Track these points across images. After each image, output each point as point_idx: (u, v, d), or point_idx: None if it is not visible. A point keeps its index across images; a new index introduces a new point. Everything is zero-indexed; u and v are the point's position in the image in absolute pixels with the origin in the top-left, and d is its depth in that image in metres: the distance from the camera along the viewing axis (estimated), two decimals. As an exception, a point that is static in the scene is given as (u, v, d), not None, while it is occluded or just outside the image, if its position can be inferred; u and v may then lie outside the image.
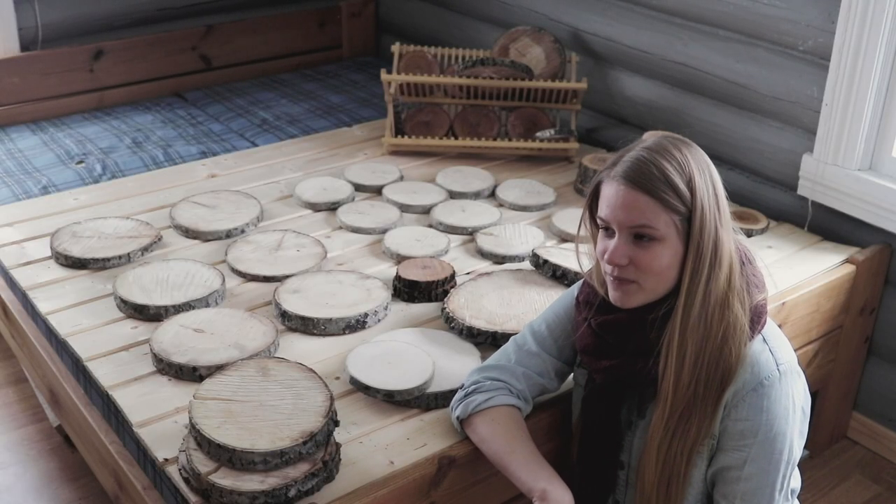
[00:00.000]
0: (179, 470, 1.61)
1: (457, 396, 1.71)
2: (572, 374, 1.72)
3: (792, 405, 1.46)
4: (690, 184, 1.41)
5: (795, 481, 1.62)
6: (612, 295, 1.49)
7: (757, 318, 1.47)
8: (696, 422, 1.46)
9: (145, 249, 2.32)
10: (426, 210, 2.60)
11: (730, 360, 1.43)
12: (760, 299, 1.48)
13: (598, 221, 1.48)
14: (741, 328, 1.44)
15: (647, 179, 1.40)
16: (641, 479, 1.52)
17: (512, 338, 1.75)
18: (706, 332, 1.43)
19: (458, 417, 1.68)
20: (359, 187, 2.71)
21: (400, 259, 2.32)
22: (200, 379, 1.81)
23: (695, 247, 1.42)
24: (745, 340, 1.44)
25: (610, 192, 1.44)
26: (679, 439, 1.46)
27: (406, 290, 2.17)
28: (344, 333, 2.03)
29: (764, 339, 1.48)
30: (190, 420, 1.61)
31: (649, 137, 1.49)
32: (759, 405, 1.44)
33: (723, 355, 1.43)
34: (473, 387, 1.67)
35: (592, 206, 1.52)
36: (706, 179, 1.43)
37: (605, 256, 1.45)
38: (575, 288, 1.68)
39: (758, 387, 1.44)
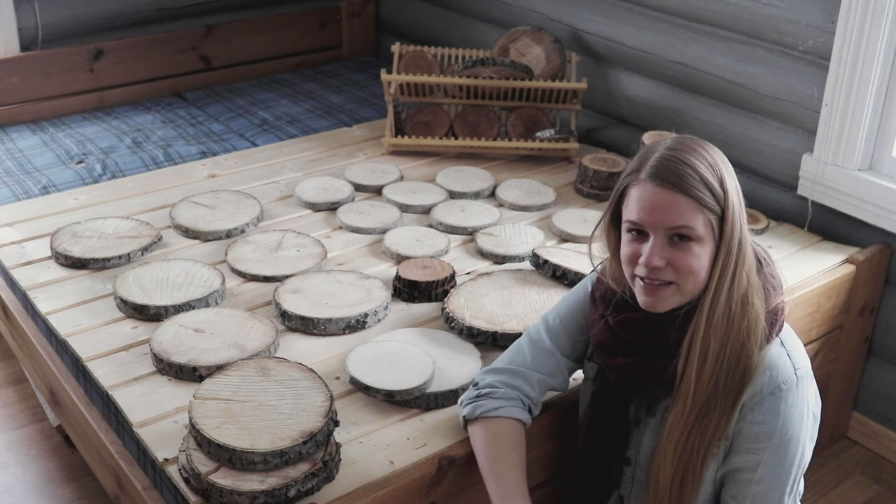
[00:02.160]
0: (179, 470, 1.61)
1: (469, 394, 1.69)
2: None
3: (807, 410, 1.47)
4: (723, 183, 1.41)
5: (800, 484, 1.62)
6: (644, 300, 1.46)
7: (775, 321, 1.47)
8: (713, 420, 1.45)
9: (145, 249, 2.32)
10: (426, 210, 2.60)
11: (750, 358, 1.43)
12: (778, 302, 1.48)
13: (628, 225, 1.45)
14: (760, 325, 1.44)
15: (683, 179, 1.39)
16: (656, 477, 1.51)
17: (526, 333, 1.73)
18: (728, 330, 1.43)
19: (464, 417, 1.68)
20: (359, 187, 2.71)
21: (400, 259, 2.32)
22: (200, 379, 1.81)
23: (726, 246, 1.41)
24: (763, 338, 1.44)
25: (644, 194, 1.41)
26: (696, 438, 1.46)
27: (406, 290, 2.17)
28: (344, 333, 2.03)
29: (782, 343, 1.48)
30: (190, 420, 1.61)
31: (650, 139, 1.49)
32: (776, 409, 1.44)
33: (744, 353, 1.43)
34: (488, 390, 1.66)
35: (615, 211, 1.50)
36: (732, 177, 1.44)
37: (642, 260, 1.43)
38: (588, 282, 1.67)
39: (775, 391, 1.44)
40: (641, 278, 1.45)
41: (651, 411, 1.55)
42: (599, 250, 1.58)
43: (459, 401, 1.73)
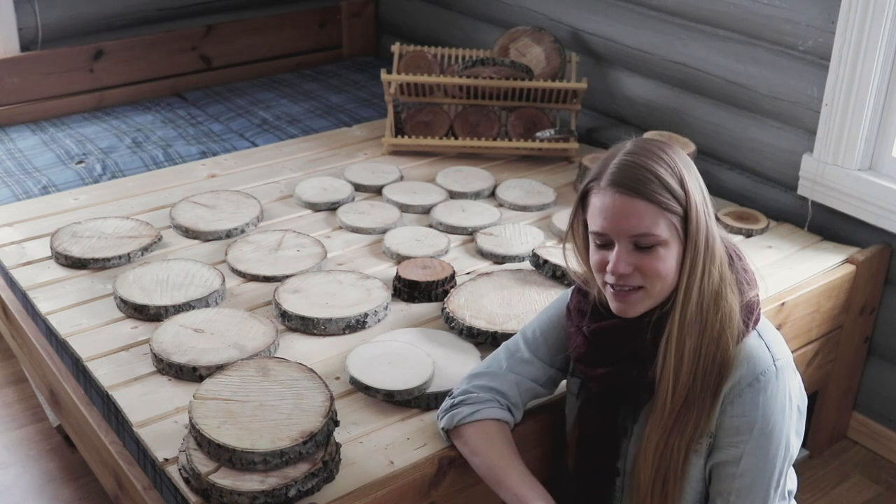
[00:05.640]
0: (179, 470, 1.61)
1: (444, 405, 1.69)
2: (565, 382, 1.71)
3: (788, 402, 1.46)
4: (683, 183, 1.41)
5: (792, 482, 1.62)
6: (616, 306, 1.47)
7: (750, 314, 1.47)
8: (693, 416, 1.45)
9: (145, 249, 2.32)
10: (426, 210, 2.60)
11: (727, 351, 1.43)
12: (753, 295, 1.48)
13: (593, 235, 1.46)
14: (735, 318, 1.44)
15: (641, 184, 1.39)
16: (636, 478, 1.51)
17: (503, 343, 1.73)
18: (703, 326, 1.43)
19: (443, 428, 1.67)
20: (359, 187, 2.71)
21: (400, 259, 2.32)
22: (200, 379, 1.81)
23: (692, 245, 1.42)
24: (739, 331, 1.44)
25: (605, 203, 1.42)
26: (676, 437, 1.46)
27: (406, 290, 2.17)
28: (344, 333, 2.03)
29: (759, 335, 1.47)
30: (190, 420, 1.61)
31: (639, 140, 1.48)
32: (755, 401, 1.43)
33: (720, 347, 1.43)
34: (461, 397, 1.66)
35: (580, 216, 1.50)
36: (694, 176, 1.44)
37: (609, 268, 1.43)
38: (567, 294, 1.66)
39: (754, 382, 1.43)
40: (612, 285, 1.45)
41: (635, 418, 1.55)
42: (573, 255, 1.57)
43: (437, 414, 1.72)
